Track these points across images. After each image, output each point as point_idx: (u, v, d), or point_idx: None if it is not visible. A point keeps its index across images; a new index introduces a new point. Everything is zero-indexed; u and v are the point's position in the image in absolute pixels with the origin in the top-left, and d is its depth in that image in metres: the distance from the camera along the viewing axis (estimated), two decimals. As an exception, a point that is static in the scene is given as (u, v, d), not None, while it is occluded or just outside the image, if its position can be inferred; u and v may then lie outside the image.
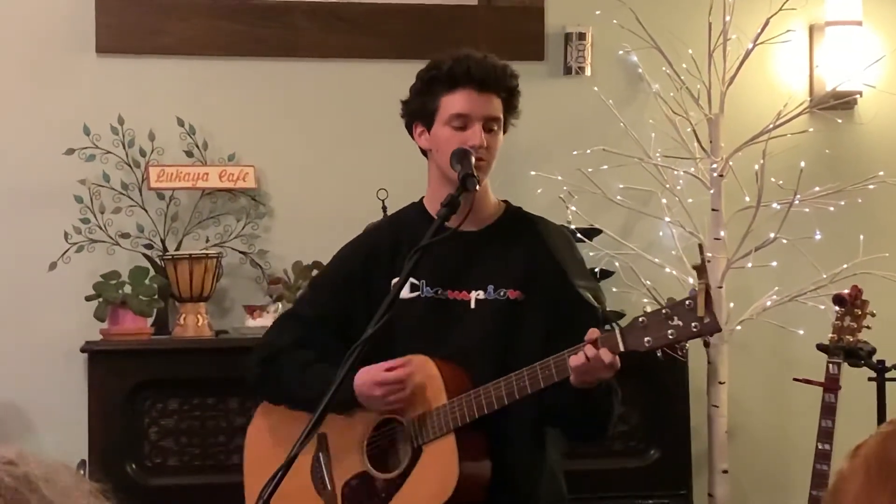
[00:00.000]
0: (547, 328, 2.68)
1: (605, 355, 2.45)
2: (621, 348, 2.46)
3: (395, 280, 2.70)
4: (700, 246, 2.42)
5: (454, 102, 2.69)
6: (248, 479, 2.89)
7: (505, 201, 2.84)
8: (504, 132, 2.77)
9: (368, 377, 2.65)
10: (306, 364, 2.76)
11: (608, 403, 2.64)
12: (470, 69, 2.69)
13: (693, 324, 2.38)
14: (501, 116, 2.72)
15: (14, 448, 1.23)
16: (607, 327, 2.56)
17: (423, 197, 2.85)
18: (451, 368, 2.66)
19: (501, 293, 2.72)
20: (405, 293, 2.71)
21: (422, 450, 2.65)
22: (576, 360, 2.48)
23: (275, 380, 2.81)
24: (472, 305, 2.73)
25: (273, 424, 2.86)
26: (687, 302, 2.40)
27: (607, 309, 3.91)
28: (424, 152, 2.80)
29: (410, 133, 2.81)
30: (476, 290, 2.73)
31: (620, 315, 3.98)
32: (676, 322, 2.40)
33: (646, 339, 2.44)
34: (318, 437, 2.74)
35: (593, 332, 2.48)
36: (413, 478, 2.66)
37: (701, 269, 2.36)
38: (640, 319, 2.45)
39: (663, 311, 2.43)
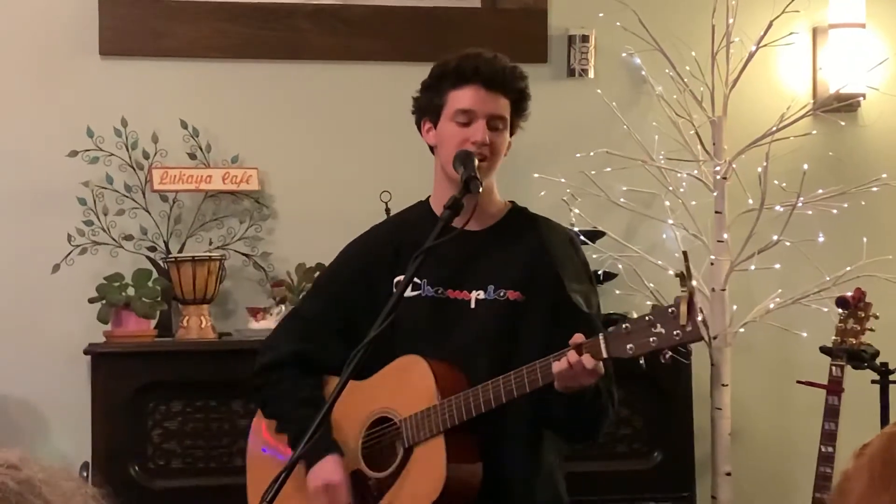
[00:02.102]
0: (546, 330, 2.68)
1: (588, 361, 2.44)
2: (604, 354, 2.46)
3: (397, 278, 2.72)
4: (685, 253, 2.39)
5: (460, 98, 2.70)
6: (252, 476, 2.91)
7: (511, 202, 2.84)
8: (512, 134, 2.77)
9: (326, 477, 2.68)
10: (299, 401, 2.76)
11: (597, 406, 2.63)
12: (478, 66, 2.70)
13: (675, 331, 2.36)
14: (508, 117, 2.72)
15: (17, 452, 1.23)
16: (599, 333, 2.55)
17: (429, 196, 2.86)
18: (446, 369, 2.66)
19: (501, 294, 2.72)
20: (409, 292, 2.71)
21: (413, 450, 2.65)
22: (558, 365, 2.48)
23: (268, 396, 2.85)
24: (473, 305, 2.73)
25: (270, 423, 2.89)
26: (670, 310, 2.38)
27: (609, 312, 3.95)
28: (433, 149, 2.81)
29: (420, 130, 2.81)
30: (476, 290, 2.73)
31: (623, 317, 3.99)
32: (659, 329, 2.38)
33: (629, 345, 2.42)
34: None
35: (578, 338, 2.48)
36: (403, 478, 2.66)
37: (683, 277, 2.33)
38: (625, 326, 2.44)
39: (647, 317, 2.42)
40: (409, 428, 2.65)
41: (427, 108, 2.76)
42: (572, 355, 2.46)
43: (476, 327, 2.71)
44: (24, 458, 1.23)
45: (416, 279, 2.71)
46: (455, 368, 2.67)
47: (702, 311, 2.49)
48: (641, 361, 2.43)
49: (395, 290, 2.72)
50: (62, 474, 1.24)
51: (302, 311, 2.92)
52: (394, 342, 2.66)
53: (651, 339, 2.39)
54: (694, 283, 2.44)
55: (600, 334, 2.47)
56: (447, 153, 2.70)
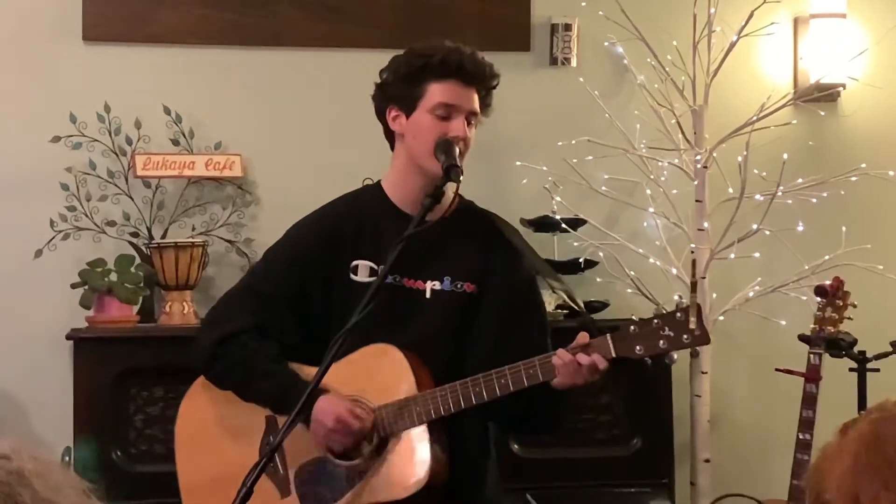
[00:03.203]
0: (501, 323, 2.71)
1: (599, 361, 2.50)
2: (612, 354, 2.52)
3: (354, 263, 2.71)
4: (693, 262, 2.56)
5: (442, 91, 2.70)
6: (180, 455, 2.83)
7: (458, 194, 2.82)
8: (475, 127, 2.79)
9: (332, 409, 2.63)
10: (266, 357, 2.71)
11: (560, 400, 2.67)
12: (462, 62, 2.71)
13: (684, 335, 2.48)
14: (478, 112, 2.75)
15: (8, 442, 1.24)
16: (606, 334, 2.58)
17: (379, 180, 2.85)
18: (417, 359, 2.67)
19: (458, 286, 2.73)
20: (365, 278, 2.71)
21: (388, 439, 2.64)
22: (559, 360, 2.51)
23: (233, 364, 2.74)
24: (428, 295, 2.72)
25: (211, 400, 2.80)
26: (678, 314, 2.48)
27: (591, 299, 3.97)
28: (389, 137, 2.81)
29: (380, 115, 2.80)
30: (432, 281, 2.73)
31: (604, 304, 4.02)
32: (668, 333, 2.48)
33: (637, 347, 2.51)
34: (266, 419, 2.74)
35: (584, 336, 2.53)
36: (382, 466, 2.64)
37: (694, 285, 2.49)
38: (632, 328, 2.52)
39: (654, 321, 2.51)
40: (384, 416, 2.64)
41: (399, 96, 2.74)
42: (582, 356, 2.50)
43: (430, 318, 2.71)
44: (16, 449, 1.23)
45: (373, 265, 2.71)
46: (421, 359, 2.68)
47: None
48: (648, 361, 2.52)
49: (350, 274, 2.72)
50: (54, 466, 1.25)
51: (256, 287, 2.81)
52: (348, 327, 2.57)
53: (661, 342, 2.49)
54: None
55: (607, 335, 2.53)
56: (421, 144, 2.70)
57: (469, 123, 2.71)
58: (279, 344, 2.74)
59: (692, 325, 2.46)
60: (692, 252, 3.95)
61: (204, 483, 2.78)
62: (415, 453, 2.61)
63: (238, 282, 2.93)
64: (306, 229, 2.84)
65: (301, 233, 2.84)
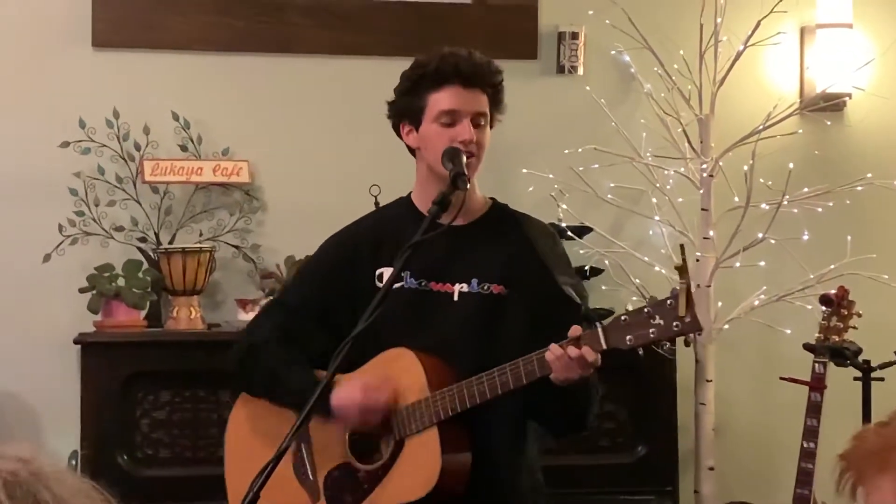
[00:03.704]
0: (529, 324, 2.70)
1: (588, 354, 2.47)
2: (603, 346, 2.48)
3: (378, 271, 2.75)
4: (682, 246, 2.43)
5: (442, 99, 2.71)
6: (229, 468, 2.90)
7: (492, 198, 2.86)
8: (491, 127, 2.79)
9: (352, 388, 2.66)
10: (288, 362, 2.77)
11: (587, 398, 2.66)
12: (457, 65, 2.71)
13: (675, 323, 2.41)
14: (488, 111, 2.75)
15: (27, 447, 1.28)
16: (596, 325, 2.57)
17: (410, 192, 2.88)
18: (434, 361, 2.68)
19: (485, 287, 2.74)
20: None
21: (404, 442, 2.67)
22: (551, 354, 2.50)
23: (255, 372, 2.82)
24: (456, 298, 2.74)
25: (254, 414, 2.86)
26: (668, 301, 2.42)
27: (595, 307, 3.97)
28: (412, 151, 2.83)
29: (398, 132, 2.83)
30: (460, 283, 2.75)
31: (609, 312, 4.02)
32: (658, 321, 2.42)
33: (627, 337, 2.45)
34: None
35: (576, 329, 2.50)
36: (395, 469, 2.67)
37: (682, 269, 2.38)
38: (623, 318, 2.48)
39: (645, 309, 2.45)
40: (399, 420, 2.67)
41: (406, 111, 2.76)
42: (572, 349, 2.48)
43: (458, 320, 2.73)
44: (35, 455, 1.27)
45: None
46: (442, 360, 2.69)
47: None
48: (640, 352, 2.48)
49: (376, 282, 2.75)
50: (69, 473, 1.28)
51: (285, 299, 2.93)
52: (377, 333, 2.66)
53: (650, 331, 2.42)
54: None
55: (598, 325, 2.49)
56: (434, 154, 2.71)
57: (479, 125, 2.72)
58: (304, 350, 2.79)
59: (682, 312, 2.38)
60: (697, 260, 3.96)
61: (243, 493, 2.81)
62: (426, 455, 2.63)
63: (273, 296, 3.03)
64: (332, 244, 2.91)
65: (328, 247, 2.91)
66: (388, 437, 2.70)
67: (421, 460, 2.64)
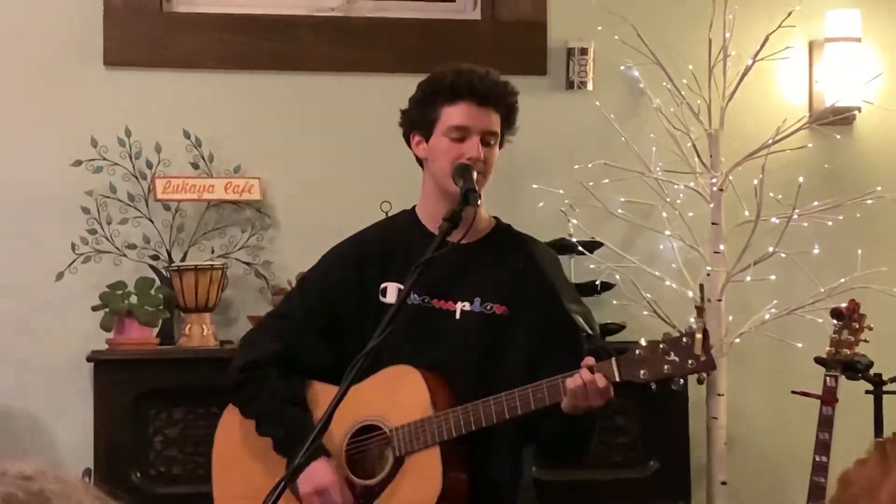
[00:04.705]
0: (532, 346, 2.71)
1: (600, 381, 2.49)
2: (616, 378, 2.51)
3: (383, 285, 2.75)
4: (701, 286, 2.55)
5: (454, 114, 2.72)
6: (217, 475, 2.91)
7: (495, 217, 2.86)
8: (500, 147, 2.80)
9: (318, 482, 2.67)
10: (285, 400, 2.76)
11: (590, 426, 2.68)
12: (473, 83, 2.72)
13: (689, 361, 2.47)
14: (499, 131, 2.76)
15: (32, 463, 1.24)
16: (611, 357, 2.58)
17: (414, 206, 2.89)
18: (437, 380, 2.68)
19: (488, 307, 2.74)
20: (392, 298, 2.74)
21: (404, 459, 2.67)
22: (572, 381, 2.51)
23: (252, 396, 2.81)
24: (458, 316, 2.75)
25: (243, 422, 2.85)
26: (684, 339, 2.48)
27: (606, 321, 3.98)
28: (420, 162, 2.84)
29: (408, 142, 2.84)
30: (462, 302, 2.75)
31: (621, 327, 4.03)
32: (673, 357, 2.48)
33: (641, 371, 2.50)
34: None
35: (589, 359, 2.53)
36: (394, 486, 2.67)
37: (700, 310, 2.49)
38: (637, 352, 2.51)
39: (660, 345, 2.50)
40: (400, 437, 2.66)
41: (418, 122, 2.78)
42: (586, 374, 2.50)
43: (460, 338, 2.73)
44: (40, 470, 1.23)
45: (401, 286, 2.74)
46: (444, 379, 2.69)
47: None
48: (653, 386, 2.51)
49: (380, 296, 2.75)
50: (78, 486, 1.24)
51: (288, 310, 2.89)
52: (379, 348, 2.57)
53: (665, 367, 2.48)
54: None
55: (612, 358, 2.53)
56: (440, 167, 2.73)
57: (488, 144, 2.73)
58: (305, 365, 2.78)
59: (698, 351, 2.44)
60: (708, 274, 3.96)
61: (234, 502, 2.82)
62: (427, 474, 2.63)
63: (275, 307, 3.00)
64: (337, 256, 2.89)
65: (332, 260, 2.90)
66: (386, 454, 2.69)
67: (422, 479, 2.64)
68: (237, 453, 2.85)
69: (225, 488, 2.87)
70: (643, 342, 2.53)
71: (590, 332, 2.72)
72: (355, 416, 2.70)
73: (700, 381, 2.60)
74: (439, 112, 2.74)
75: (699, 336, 2.44)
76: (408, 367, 2.68)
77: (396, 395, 2.69)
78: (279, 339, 2.82)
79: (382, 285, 2.77)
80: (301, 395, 2.77)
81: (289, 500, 2.69)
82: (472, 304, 2.75)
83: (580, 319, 2.71)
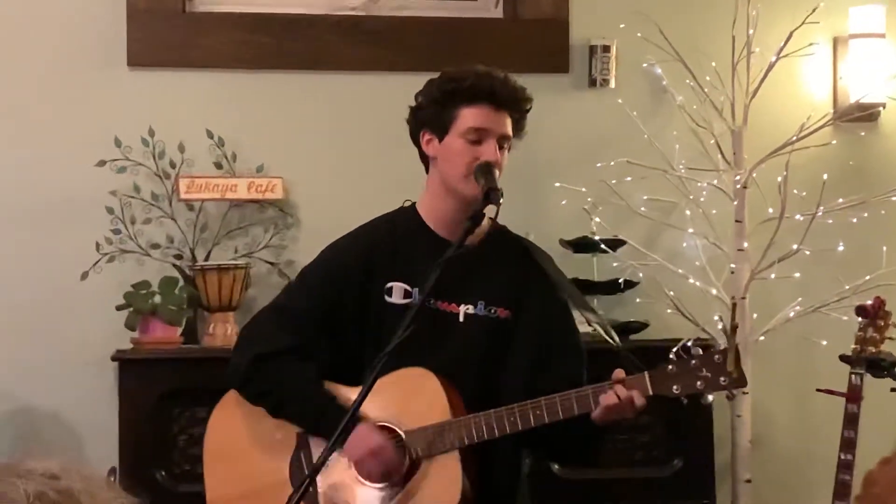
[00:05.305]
0: (534, 351, 2.71)
1: (638, 399, 2.53)
2: (650, 392, 2.54)
3: (388, 285, 2.74)
4: (734, 305, 2.58)
5: (473, 116, 2.72)
6: (208, 466, 2.86)
7: (490, 218, 2.80)
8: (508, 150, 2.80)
9: (369, 437, 2.64)
10: (308, 381, 2.72)
11: (605, 434, 2.68)
12: (493, 86, 2.73)
13: (721, 378, 2.53)
14: (511, 135, 2.77)
15: (57, 462, 1.26)
16: (644, 372, 2.59)
17: (413, 203, 2.88)
18: (450, 385, 2.68)
19: (492, 311, 2.74)
20: (399, 300, 2.73)
21: (420, 462, 2.65)
22: (607, 398, 2.53)
23: (268, 385, 2.74)
24: (461, 319, 2.74)
25: (242, 414, 2.81)
26: (716, 357, 2.52)
27: (629, 320, 3.97)
28: (424, 160, 2.84)
29: (415, 139, 2.84)
30: (466, 305, 2.74)
31: (644, 325, 4.02)
32: (705, 374, 2.53)
33: (674, 386, 2.55)
34: (297, 436, 2.76)
35: (619, 372, 2.54)
36: (412, 488, 2.65)
37: (733, 328, 2.52)
38: (670, 367, 2.55)
39: (692, 361, 2.54)
40: (416, 441, 2.65)
41: (431, 121, 2.77)
42: (621, 389, 2.52)
43: (464, 342, 2.72)
44: (65, 468, 1.25)
45: (408, 287, 2.73)
46: (453, 383, 2.69)
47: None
48: (684, 401, 2.54)
49: (386, 295, 2.74)
50: (101, 483, 1.26)
51: (292, 306, 2.83)
52: (379, 348, 2.59)
53: (698, 383, 2.53)
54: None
55: (645, 372, 2.55)
56: (454, 168, 2.72)
57: (501, 147, 2.73)
58: (316, 364, 2.76)
59: (730, 368, 2.49)
60: (732, 272, 3.95)
61: (230, 497, 2.81)
62: (447, 478, 2.62)
63: (273, 300, 2.94)
64: (343, 249, 2.86)
65: (337, 253, 2.86)
66: (405, 456, 2.67)
67: (442, 483, 2.62)
68: (236, 447, 2.81)
69: (221, 484, 2.83)
70: (673, 356, 2.56)
71: (617, 342, 2.71)
72: (366, 417, 2.66)
73: (729, 398, 2.63)
74: (457, 113, 2.73)
75: (732, 354, 2.49)
76: (425, 371, 2.67)
77: (412, 398, 2.67)
78: (286, 333, 2.76)
79: (388, 285, 2.75)
80: (320, 379, 2.73)
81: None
82: (475, 306, 2.74)
83: (601, 329, 2.71)
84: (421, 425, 2.65)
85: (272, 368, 2.75)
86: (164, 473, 3.74)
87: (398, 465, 2.64)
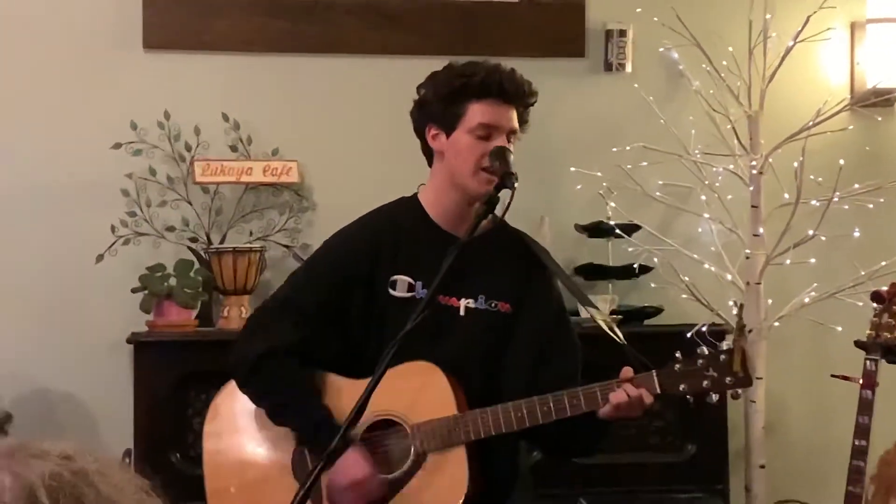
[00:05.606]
0: (535, 345, 2.72)
1: (647, 398, 2.55)
2: (658, 390, 2.56)
3: (392, 277, 2.73)
4: (741, 306, 2.59)
5: (483, 112, 2.70)
6: (208, 454, 2.86)
7: (493, 213, 2.75)
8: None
9: (353, 475, 2.63)
10: (307, 390, 2.70)
11: (606, 429, 2.69)
12: (503, 82, 2.71)
13: (728, 378, 2.55)
14: (518, 129, 2.77)
15: (71, 443, 1.26)
16: (652, 370, 2.60)
17: (415, 195, 2.86)
18: (455, 379, 2.67)
19: (493, 304, 2.74)
20: (403, 293, 2.72)
21: (426, 456, 2.65)
22: (617, 396, 2.55)
23: (270, 385, 2.72)
24: (462, 312, 2.73)
25: (246, 402, 2.79)
26: (722, 356, 2.54)
27: (644, 305, 3.97)
28: (427, 155, 2.83)
29: (419, 133, 2.82)
30: (466, 298, 2.73)
31: (659, 310, 4.02)
32: (712, 373, 2.55)
33: (681, 385, 2.57)
34: None
35: (627, 371, 2.55)
36: (418, 482, 2.65)
37: (740, 330, 2.55)
38: (677, 366, 2.57)
39: (699, 361, 2.56)
40: (422, 434, 2.65)
41: (438, 115, 2.75)
42: (631, 389, 2.53)
43: (464, 336, 2.72)
44: (79, 450, 1.25)
45: (411, 280, 2.72)
46: (456, 377, 2.68)
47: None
48: (691, 400, 2.56)
49: (390, 289, 2.73)
50: (114, 465, 1.27)
51: (298, 297, 2.78)
52: (383, 342, 2.56)
53: (704, 383, 2.55)
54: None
55: (653, 371, 2.57)
56: (461, 163, 2.71)
57: (508, 141, 2.73)
58: (319, 361, 2.74)
59: (736, 368, 2.52)
60: (747, 258, 3.94)
61: (231, 486, 2.81)
62: (454, 473, 2.62)
63: (277, 290, 2.89)
64: (348, 240, 2.83)
65: (342, 243, 2.84)
66: (405, 449, 2.67)
67: (448, 477, 2.62)
68: (237, 436, 2.81)
69: (221, 473, 2.83)
70: (679, 355, 2.57)
71: (622, 339, 2.70)
72: (372, 410, 2.61)
73: (734, 397, 2.63)
74: (465, 108, 2.71)
75: (738, 355, 2.52)
76: (430, 365, 2.66)
77: (419, 392, 2.67)
78: (293, 326, 2.73)
79: (392, 278, 2.74)
80: (317, 387, 2.72)
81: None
82: (476, 300, 2.74)
83: (606, 326, 2.71)
84: (426, 419, 2.65)
85: (275, 366, 2.72)
86: (178, 456, 3.75)
87: (378, 496, 2.65)
